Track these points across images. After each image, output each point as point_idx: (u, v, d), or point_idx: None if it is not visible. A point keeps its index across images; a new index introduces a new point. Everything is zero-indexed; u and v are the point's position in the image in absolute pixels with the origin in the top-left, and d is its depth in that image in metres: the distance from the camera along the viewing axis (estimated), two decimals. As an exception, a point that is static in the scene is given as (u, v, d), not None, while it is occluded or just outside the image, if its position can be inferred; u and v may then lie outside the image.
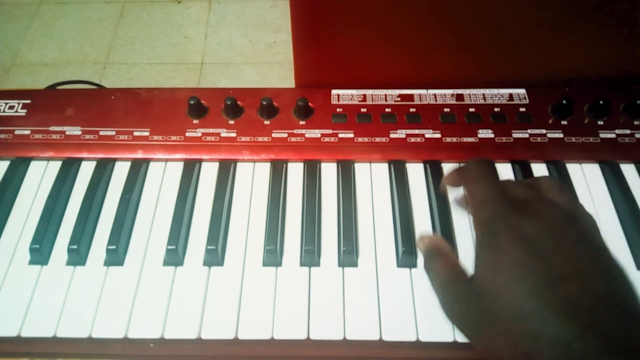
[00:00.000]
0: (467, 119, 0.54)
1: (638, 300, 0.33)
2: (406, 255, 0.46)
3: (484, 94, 0.56)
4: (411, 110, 0.55)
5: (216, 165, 0.53)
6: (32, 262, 0.47)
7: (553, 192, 0.39)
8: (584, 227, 0.36)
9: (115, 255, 0.47)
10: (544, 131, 0.53)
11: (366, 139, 0.53)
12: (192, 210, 0.50)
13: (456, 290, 0.36)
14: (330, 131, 0.54)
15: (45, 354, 0.45)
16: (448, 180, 0.44)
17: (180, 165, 0.53)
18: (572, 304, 0.30)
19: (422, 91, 0.57)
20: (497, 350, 0.33)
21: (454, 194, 0.51)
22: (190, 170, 0.52)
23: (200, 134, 0.54)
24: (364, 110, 0.55)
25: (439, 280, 0.37)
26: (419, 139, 0.53)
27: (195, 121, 0.55)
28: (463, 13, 0.54)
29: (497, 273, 0.34)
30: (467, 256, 0.46)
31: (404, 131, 0.54)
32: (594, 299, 0.30)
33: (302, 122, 0.55)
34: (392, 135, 0.53)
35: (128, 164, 0.53)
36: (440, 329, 0.42)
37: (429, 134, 0.53)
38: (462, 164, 0.43)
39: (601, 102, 0.53)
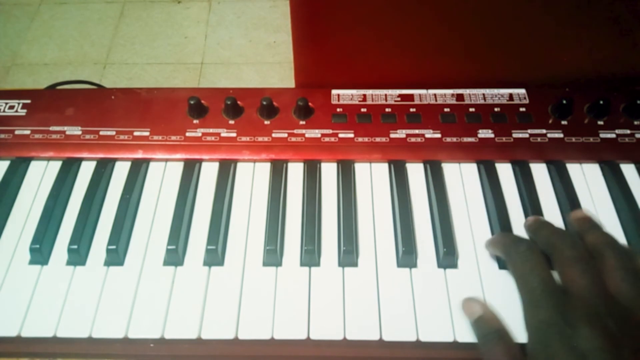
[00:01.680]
0: (467, 119, 0.54)
1: None
2: (406, 255, 0.46)
3: (484, 94, 0.56)
4: (411, 110, 0.55)
5: (216, 165, 0.53)
6: (32, 262, 0.47)
7: (618, 278, 0.34)
8: None
9: (115, 255, 0.47)
10: (544, 131, 0.53)
11: (366, 139, 0.53)
12: (192, 210, 0.50)
13: None
14: (330, 131, 0.54)
15: (45, 354, 0.45)
16: (493, 246, 0.42)
17: (180, 165, 0.53)
18: None
19: (422, 91, 0.57)
20: None
21: (451, 194, 0.51)
22: (190, 170, 0.52)
23: (200, 134, 0.54)
24: (364, 110, 0.55)
25: None
26: (419, 139, 0.53)
27: (195, 121, 0.55)
28: (463, 13, 0.54)
29: None
30: (467, 254, 0.46)
31: (404, 131, 0.54)
32: None
33: (302, 122, 0.55)
34: (392, 135, 0.53)
35: (128, 164, 0.53)
36: (440, 329, 0.42)
37: (429, 134, 0.53)
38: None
39: (601, 102, 0.53)
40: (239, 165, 0.53)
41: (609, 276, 0.34)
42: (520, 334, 0.39)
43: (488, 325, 0.38)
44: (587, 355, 0.31)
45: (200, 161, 0.53)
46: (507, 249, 0.41)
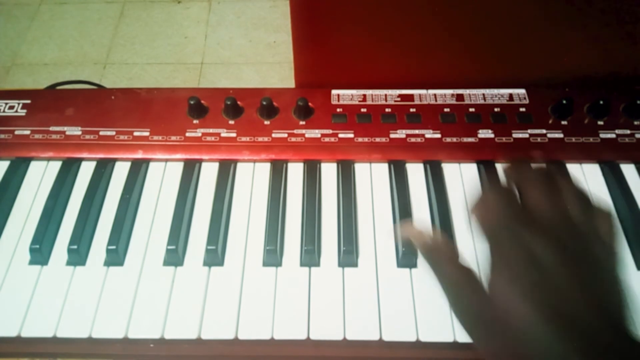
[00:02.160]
0: (467, 119, 0.54)
1: (636, 328, 0.35)
2: (406, 255, 0.46)
3: (484, 94, 0.56)
4: (411, 110, 0.55)
5: (216, 165, 0.53)
6: (32, 262, 0.47)
7: (574, 202, 0.39)
8: (596, 248, 0.36)
9: (115, 255, 0.47)
10: (544, 131, 0.53)
11: (366, 139, 0.53)
12: (192, 210, 0.50)
13: (470, 300, 0.37)
14: (330, 131, 0.54)
15: (45, 354, 0.45)
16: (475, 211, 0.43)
17: (180, 165, 0.53)
18: (570, 324, 0.32)
19: (422, 91, 0.57)
20: (497, 356, 0.35)
21: (451, 194, 0.51)
22: (190, 170, 0.52)
23: (200, 134, 0.54)
24: (364, 110, 0.55)
25: (453, 287, 0.38)
26: (419, 139, 0.53)
27: (195, 121, 0.55)
28: (463, 13, 0.54)
29: (506, 291, 0.35)
30: (467, 254, 0.46)
31: (404, 131, 0.54)
32: (592, 321, 0.32)
33: (302, 122, 0.55)
34: (392, 135, 0.53)
35: (128, 164, 0.53)
36: (440, 329, 0.42)
37: (429, 134, 0.53)
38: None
39: (601, 102, 0.53)
40: (239, 165, 0.53)
41: (565, 204, 0.39)
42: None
43: (436, 247, 0.41)
44: (539, 256, 0.34)
45: (200, 161, 0.53)
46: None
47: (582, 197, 0.40)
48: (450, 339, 0.42)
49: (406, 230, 0.43)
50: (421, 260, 0.43)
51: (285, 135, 0.54)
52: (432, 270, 0.40)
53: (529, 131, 0.53)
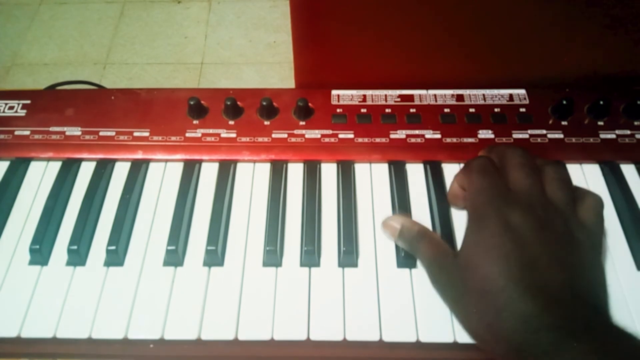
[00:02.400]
0: (467, 120, 0.54)
1: (606, 304, 0.38)
2: (406, 256, 0.46)
3: (484, 95, 0.56)
4: (411, 110, 0.55)
5: (216, 165, 0.53)
6: (32, 263, 0.47)
7: (554, 185, 0.40)
8: (571, 226, 0.38)
9: (115, 256, 0.47)
10: (544, 132, 0.53)
11: (366, 140, 0.53)
12: (192, 211, 0.50)
13: (442, 263, 0.40)
14: (330, 131, 0.54)
15: (45, 355, 0.45)
16: (457, 180, 0.47)
17: (180, 165, 0.53)
18: (538, 288, 0.34)
19: (422, 91, 0.57)
20: (467, 319, 0.38)
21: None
22: (190, 171, 0.52)
23: (200, 135, 0.54)
24: (364, 110, 0.55)
25: (427, 256, 0.41)
26: (419, 140, 0.53)
27: (195, 121, 0.55)
28: (463, 13, 0.54)
29: (478, 252, 0.37)
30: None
31: (404, 131, 0.54)
32: (560, 288, 0.34)
33: (302, 123, 0.55)
34: (392, 136, 0.53)
35: (128, 165, 0.53)
36: (441, 330, 0.42)
37: (429, 134, 0.53)
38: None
39: (601, 102, 0.53)
40: (239, 165, 0.53)
41: (547, 184, 0.40)
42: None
43: (409, 232, 0.44)
44: (518, 230, 0.36)
45: (200, 162, 0.53)
46: (464, 168, 0.45)
47: (565, 182, 0.41)
48: (450, 340, 0.42)
49: (383, 226, 0.46)
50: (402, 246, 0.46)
51: (285, 135, 0.54)
52: (410, 250, 0.43)
53: (529, 131, 0.53)
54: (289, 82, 0.61)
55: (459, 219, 0.49)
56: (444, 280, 0.40)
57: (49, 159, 0.54)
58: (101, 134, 0.54)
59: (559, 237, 0.37)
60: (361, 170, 0.52)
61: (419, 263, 0.46)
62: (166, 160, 0.54)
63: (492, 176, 0.41)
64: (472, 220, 0.40)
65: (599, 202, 0.42)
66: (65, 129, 0.55)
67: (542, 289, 0.34)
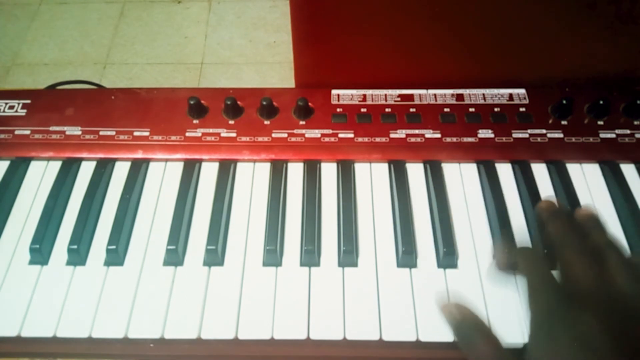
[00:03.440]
0: (467, 119, 0.54)
1: None
2: (406, 255, 0.46)
3: (484, 94, 0.56)
4: (411, 110, 0.55)
5: (216, 165, 0.53)
6: (32, 262, 0.47)
7: (620, 276, 0.35)
8: None
9: (115, 255, 0.47)
10: (544, 131, 0.53)
11: (366, 139, 0.53)
12: (192, 210, 0.50)
13: None
14: (330, 131, 0.54)
15: (45, 354, 0.45)
16: (500, 263, 0.42)
17: (180, 165, 0.53)
18: None
19: (422, 91, 0.57)
20: None
21: (451, 194, 0.51)
22: (190, 170, 0.52)
23: (200, 134, 0.54)
24: (364, 110, 0.55)
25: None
26: (419, 139, 0.53)
27: (195, 121, 0.55)
28: (463, 13, 0.54)
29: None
30: (467, 255, 0.46)
31: (404, 131, 0.54)
32: None
33: (302, 122, 0.55)
34: (392, 135, 0.53)
35: (128, 164, 0.53)
36: (440, 329, 0.42)
37: (429, 134, 0.53)
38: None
39: (601, 102, 0.53)
40: (239, 165, 0.53)
41: (611, 274, 0.35)
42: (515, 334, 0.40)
43: (468, 321, 0.37)
44: (589, 338, 0.31)
45: (200, 161, 0.53)
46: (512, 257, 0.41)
47: (629, 264, 0.36)
48: (450, 339, 0.42)
49: (443, 307, 0.40)
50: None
51: (285, 135, 0.54)
52: (461, 343, 0.37)
53: (529, 131, 0.53)
54: (289, 82, 0.61)
55: (459, 219, 0.49)
56: None
57: (49, 159, 0.54)
58: (101, 133, 0.54)
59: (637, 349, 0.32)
60: (361, 169, 0.52)
61: (418, 262, 0.46)
62: (166, 160, 0.54)
63: (549, 274, 0.36)
64: (536, 326, 0.34)
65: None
66: (65, 128, 0.55)
67: None
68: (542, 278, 0.36)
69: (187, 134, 0.54)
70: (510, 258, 0.41)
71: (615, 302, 0.33)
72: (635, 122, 0.54)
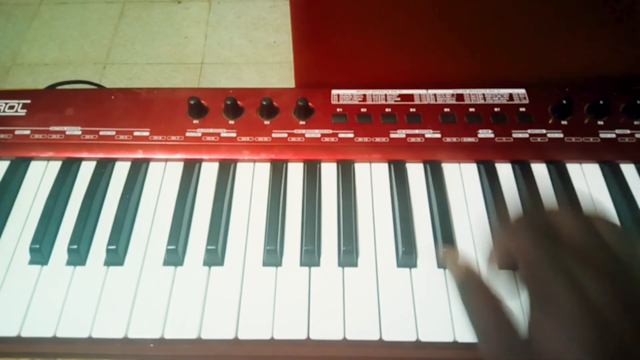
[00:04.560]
0: (467, 119, 0.54)
1: None
2: (406, 255, 0.46)
3: (484, 94, 0.56)
4: (411, 110, 0.55)
5: (216, 165, 0.53)
6: (32, 262, 0.47)
7: (614, 237, 0.34)
8: None
9: (115, 255, 0.47)
10: (544, 131, 0.53)
11: (366, 139, 0.53)
12: (192, 210, 0.50)
13: (507, 345, 0.33)
14: (330, 131, 0.54)
15: (45, 354, 0.45)
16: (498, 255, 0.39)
17: (180, 165, 0.53)
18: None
19: (422, 91, 0.57)
20: None
21: (451, 194, 0.51)
22: (190, 170, 0.52)
23: (200, 134, 0.54)
24: (364, 110, 0.55)
25: (490, 331, 0.34)
26: (419, 139, 0.53)
27: (195, 121, 0.55)
28: (463, 13, 0.54)
29: (557, 335, 0.31)
30: (467, 255, 0.46)
31: (404, 131, 0.54)
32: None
33: (302, 122, 0.55)
34: (392, 135, 0.53)
35: (128, 164, 0.53)
36: (440, 329, 0.42)
37: (429, 134, 0.53)
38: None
39: (601, 102, 0.53)
40: (239, 165, 0.53)
41: (606, 241, 0.34)
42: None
43: (470, 279, 0.36)
44: (592, 298, 0.30)
45: (200, 161, 0.53)
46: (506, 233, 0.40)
47: (613, 224, 0.35)
48: (450, 339, 0.42)
49: (450, 262, 0.39)
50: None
51: (285, 135, 0.54)
52: (462, 303, 0.36)
53: (529, 131, 0.53)
54: (289, 82, 0.61)
55: (459, 219, 0.49)
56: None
57: (49, 159, 0.54)
58: (101, 133, 0.54)
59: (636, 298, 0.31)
60: (361, 169, 0.52)
61: (418, 262, 0.46)
62: (166, 160, 0.54)
63: (540, 224, 0.35)
64: (535, 290, 0.34)
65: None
66: (65, 128, 0.55)
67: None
68: (533, 238, 0.34)
69: (187, 134, 0.54)
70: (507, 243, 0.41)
71: (609, 258, 0.33)
72: (635, 122, 0.54)
